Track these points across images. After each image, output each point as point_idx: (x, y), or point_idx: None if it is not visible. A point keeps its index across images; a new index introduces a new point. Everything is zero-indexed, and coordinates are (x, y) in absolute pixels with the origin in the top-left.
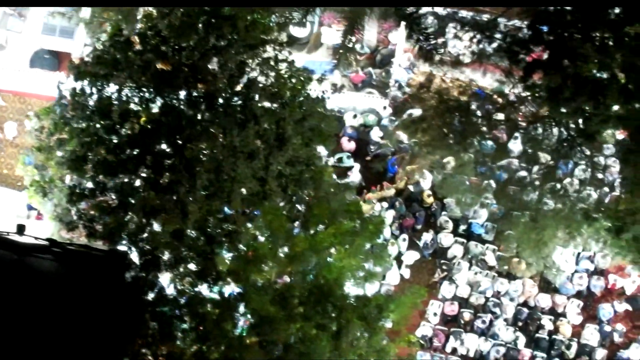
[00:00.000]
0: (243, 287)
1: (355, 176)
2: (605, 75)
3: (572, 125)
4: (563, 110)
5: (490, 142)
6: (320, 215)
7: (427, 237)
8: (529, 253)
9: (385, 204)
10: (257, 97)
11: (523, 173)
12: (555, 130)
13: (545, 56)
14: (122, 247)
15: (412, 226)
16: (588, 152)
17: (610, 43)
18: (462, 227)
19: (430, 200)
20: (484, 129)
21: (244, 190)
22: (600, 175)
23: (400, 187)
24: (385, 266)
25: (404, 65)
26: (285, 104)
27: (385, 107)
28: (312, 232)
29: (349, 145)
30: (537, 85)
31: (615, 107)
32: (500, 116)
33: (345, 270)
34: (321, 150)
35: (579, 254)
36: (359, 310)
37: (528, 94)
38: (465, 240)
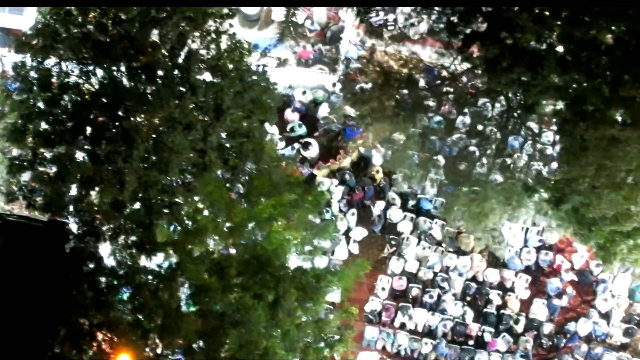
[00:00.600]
0: (179, 257)
1: (314, 151)
2: (543, 46)
3: (512, 97)
4: (502, 81)
5: (439, 118)
6: (260, 187)
7: (376, 210)
8: (471, 226)
9: (335, 180)
10: (196, 68)
11: (471, 148)
12: (497, 104)
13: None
14: (62, 219)
15: (361, 200)
16: (530, 124)
17: (547, 14)
18: (412, 203)
19: (380, 176)
20: (432, 104)
21: (183, 162)
22: (540, 147)
23: (346, 163)
24: (330, 240)
25: (354, 42)
26: (224, 75)
27: (334, 84)
28: (252, 203)
29: (292, 115)
30: (477, 57)
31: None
32: (449, 92)
33: (286, 241)
34: (274, 131)
35: (527, 229)
36: (297, 281)
37: (468, 65)
38: (414, 216)
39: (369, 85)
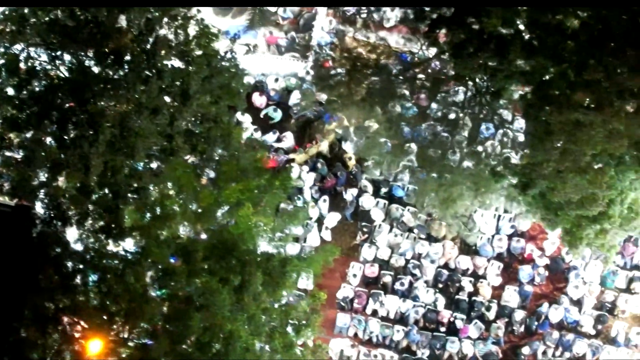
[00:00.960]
0: (145, 241)
1: (289, 141)
2: (509, 31)
3: (479, 82)
4: (468, 66)
5: (409, 105)
6: (229, 172)
7: (348, 196)
8: (440, 211)
9: (306, 167)
10: (162, 53)
11: (442, 134)
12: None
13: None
14: (29, 203)
15: (333, 187)
16: (502, 112)
17: None
18: (384, 190)
19: (352, 162)
20: (403, 90)
21: (150, 147)
22: (511, 134)
23: (321, 149)
24: (301, 226)
25: (327, 29)
26: (191, 61)
27: (307, 71)
28: (221, 189)
29: (260, 99)
30: (445, 43)
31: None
32: (419, 78)
33: (254, 226)
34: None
35: (499, 216)
36: (263, 265)
37: (435, 51)
38: (386, 203)
39: (340, 71)
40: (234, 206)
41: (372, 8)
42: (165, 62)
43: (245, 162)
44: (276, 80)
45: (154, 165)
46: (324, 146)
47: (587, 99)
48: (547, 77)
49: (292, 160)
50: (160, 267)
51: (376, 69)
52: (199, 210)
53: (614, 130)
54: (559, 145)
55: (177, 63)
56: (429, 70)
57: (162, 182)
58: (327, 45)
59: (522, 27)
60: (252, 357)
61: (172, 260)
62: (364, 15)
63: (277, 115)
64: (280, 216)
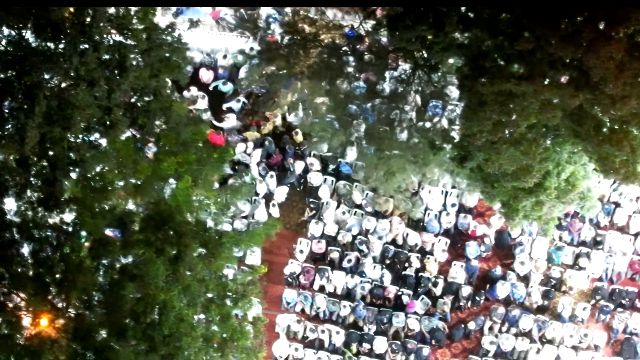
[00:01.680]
0: (79, 212)
1: (231, 122)
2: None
3: (417, 55)
4: (404, 39)
5: (353, 79)
6: (168, 145)
7: (295, 169)
8: (381, 186)
9: (251, 144)
10: (101, 26)
11: (385, 109)
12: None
13: None
14: None
15: (281, 162)
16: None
17: None
18: (332, 167)
19: (300, 138)
20: (350, 68)
21: (87, 118)
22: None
23: (279, 121)
24: (243, 201)
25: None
26: (129, 34)
27: (252, 48)
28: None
29: (207, 74)
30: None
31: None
32: (359, 52)
33: (192, 199)
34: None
35: (447, 192)
36: (199, 237)
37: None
38: (334, 179)
39: (285, 45)
40: (174, 179)
41: None
42: (104, 35)
43: (186, 135)
44: (224, 56)
45: (94, 137)
46: (278, 121)
47: (521, 70)
48: (484, 49)
49: (245, 139)
50: (94, 238)
51: (319, 44)
52: (137, 183)
53: (546, 101)
54: (493, 116)
55: (118, 37)
56: (370, 45)
57: (101, 155)
58: (275, 22)
59: None
60: (186, 327)
61: (110, 232)
62: None
63: (227, 88)
64: (224, 191)
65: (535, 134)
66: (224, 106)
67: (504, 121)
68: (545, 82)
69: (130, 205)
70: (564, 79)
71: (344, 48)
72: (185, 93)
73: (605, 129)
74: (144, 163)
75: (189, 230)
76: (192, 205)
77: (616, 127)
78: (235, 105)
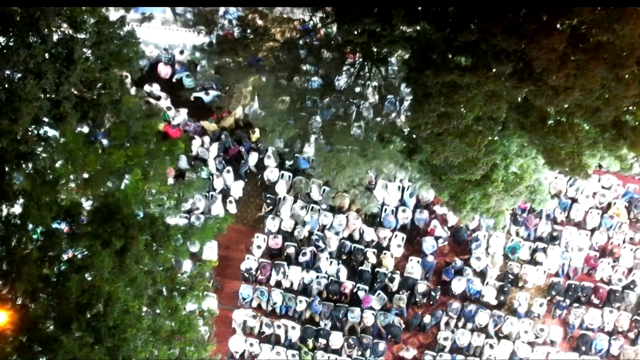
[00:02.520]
0: (25, 203)
1: (182, 116)
2: None
3: (365, 48)
4: (351, 31)
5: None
6: (118, 138)
7: (249, 158)
8: (332, 180)
9: (207, 138)
10: (50, 19)
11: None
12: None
13: None
14: None
15: (238, 154)
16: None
17: None
18: (289, 162)
19: (256, 135)
20: (302, 63)
21: (35, 111)
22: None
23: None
24: (196, 195)
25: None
26: (78, 26)
27: (209, 43)
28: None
29: (165, 69)
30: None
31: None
32: (311, 47)
33: (142, 192)
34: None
35: (403, 187)
36: (147, 229)
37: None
38: (291, 175)
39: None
40: (123, 172)
41: None
42: (53, 28)
43: (137, 129)
44: (181, 52)
45: (43, 131)
46: (239, 113)
47: (466, 62)
48: (432, 42)
49: (203, 128)
50: (40, 230)
51: (270, 38)
52: (87, 176)
53: (490, 92)
54: (439, 108)
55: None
56: (320, 39)
57: (51, 148)
58: (231, 17)
59: None
60: (131, 319)
61: (57, 225)
62: None
63: (189, 80)
64: (179, 185)
65: (482, 126)
66: (193, 96)
67: (448, 113)
68: (490, 74)
69: (80, 198)
70: (508, 71)
71: (296, 42)
72: (147, 87)
73: (550, 121)
74: (92, 156)
75: (136, 223)
76: (141, 198)
77: (561, 118)
78: (205, 97)
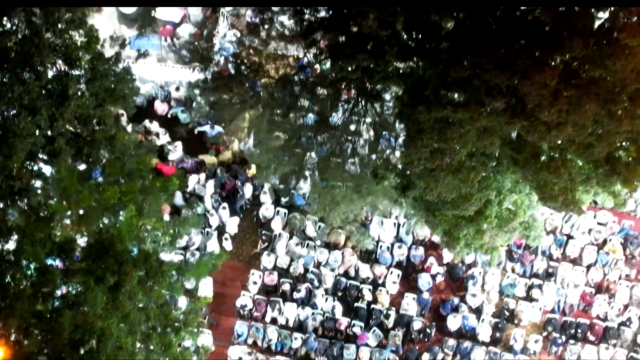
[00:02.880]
0: (19, 239)
1: (178, 151)
2: (386, 33)
3: (359, 84)
4: (345, 68)
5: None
6: (113, 174)
7: (245, 190)
8: (326, 215)
9: (203, 175)
10: (45, 55)
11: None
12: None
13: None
14: None
15: (234, 189)
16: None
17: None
18: (284, 199)
19: (252, 171)
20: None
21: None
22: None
23: (228, 155)
24: (191, 232)
25: (229, 40)
26: (73, 63)
27: (204, 80)
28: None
29: (162, 106)
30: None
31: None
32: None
33: (137, 229)
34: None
35: (399, 224)
36: (140, 265)
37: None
38: (286, 212)
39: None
40: (118, 208)
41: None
42: (47, 64)
43: (132, 165)
44: (177, 88)
45: (38, 167)
46: (235, 147)
47: (459, 98)
48: (425, 78)
49: (202, 162)
50: (34, 266)
51: (264, 74)
52: (81, 212)
53: (483, 128)
54: (431, 144)
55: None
56: (314, 75)
57: (45, 184)
58: (229, 55)
59: (399, 28)
60: (125, 355)
61: (51, 261)
62: (267, 26)
63: (185, 116)
64: (174, 221)
65: (475, 162)
66: (197, 130)
67: (441, 148)
68: (483, 110)
69: (74, 234)
70: (501, 107)
71: (290, 78)
72: (147, 123)
73: (543, 157)
74: (86, 192)
75: (130, 259)
76: (135, 234)
77: (554, 154)
78: (210, 131)
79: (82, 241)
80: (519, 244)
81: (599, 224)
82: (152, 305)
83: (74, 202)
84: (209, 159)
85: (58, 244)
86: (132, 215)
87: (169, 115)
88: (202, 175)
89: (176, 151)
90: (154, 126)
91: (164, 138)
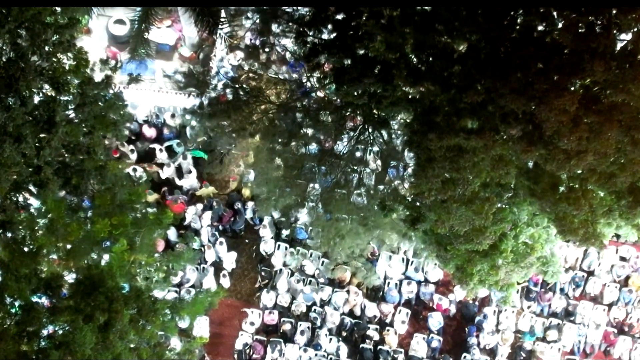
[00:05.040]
0: (3, 275)
1: (192, 180)
2: (395, 56)
3: (366, 110)
4: (350, 92)
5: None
6: (103, 206)
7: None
8: (330, 250)
9: (199, 205)
10: (30, 79)
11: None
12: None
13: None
14: None
15: (231, 221)
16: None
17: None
18: (286, 233)
19: (248, 194)
20: (304, 129)
21: (14, 177)
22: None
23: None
24: (186, 267)
25: (228, 64)
26: (61, 88)
27: (200, 106)
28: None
29: (150, 131)
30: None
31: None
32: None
33: (128, 264)
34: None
35: (408, 260)
36: (132, 302)
37: (317, 76)
38: (287, 246)
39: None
40: (108, 242)
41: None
42: (33, 89)
43: (123, 196)
44: (173, 115)
45: (23, 198)
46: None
47: (472, 124)
48: (436, 103)
49: (199, 197)
50: (18, 303)
51: (265, 100)
52: (70, 247)
53: (497, 156)
54: (443, 173)
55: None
56: (318, 101)
57: (31, 216)
58: (227, 80)
59: (407, 50)
60: None
61: (37, 298)
62: (267, 50)
63: (180, 149)
64: (167, 256)
65: (489, 193)
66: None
67: (453, 178)
68: (497, 137)
69: (61, 270)
70: (517, 134)
71: (292, 104)
72: (157, 153)
73: (562, 187)
74: (74, 225)
75: (121, 296)
76: (126, 270)
77: (574, 185)
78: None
79: (70, 277)
80: (535, 281)
81: (621, 259)
82: (145, 346)
83: (62, 235)
84: (204, 191)
85: (44, 280)
86: (123, 250)
87: (163, 146)
88: (199, 207)
89: (189, 177)
90: (162, 156)
91: (168, 170)
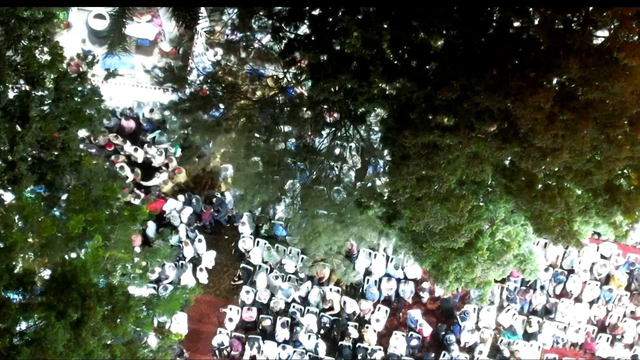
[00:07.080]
0: None
1: (160, 179)
2: (371, 52)
3: (342, 106)
4: (325, 89)
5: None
6: (76, 202)
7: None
8: (307, 247)
9: (180, 199)
10: (2, 73)
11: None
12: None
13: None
14: None
15: (212, 217)
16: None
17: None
18: (265, 228)
19: (223, 187)
20: (281, 125)
21: None
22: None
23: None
24: (164, 263)
25: (207, 60)
26: (35, 83)
27: (178, 101)
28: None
29: (128, 124)
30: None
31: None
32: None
33: (103, 260)
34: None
35: (388, 257)
36: (105, 299)
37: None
38: (266, 242)
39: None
40: (83, 238)
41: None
42: (8, 83)
43: (98, 192)
44: (151, 110)
45: None
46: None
47: (448, 122)
48: (412, 100)
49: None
50: None
51: (241, 95)
52: (42, 242)
53: (472, 154)
54: (417, 170)
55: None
56: (294, 97)
57: (5, 212)
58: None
59: (384, 47)
60: None
61: (10, 295)
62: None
63: (164, 139)
64: (144, 252)
65: (465, 191)
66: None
67: (428, 176)
68: (472, 134)
69: (35, 266)
70: (492, 131)
71: (269, 100)
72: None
73: (538, 185)
74: (47, 221)
75: (94, 293)
76: (101, 266)
77: (550, 182)
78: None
79: (45, 274)
80: (516, 278)
81: (602, 257)
82: (118, 343)
83: (36, 231)
84: (165, 187)
85: (17, 276)
86: (98, 246)
87: (148, 139)
88: (179, 202)
89: (158, 177)
90: (128, 147)
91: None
